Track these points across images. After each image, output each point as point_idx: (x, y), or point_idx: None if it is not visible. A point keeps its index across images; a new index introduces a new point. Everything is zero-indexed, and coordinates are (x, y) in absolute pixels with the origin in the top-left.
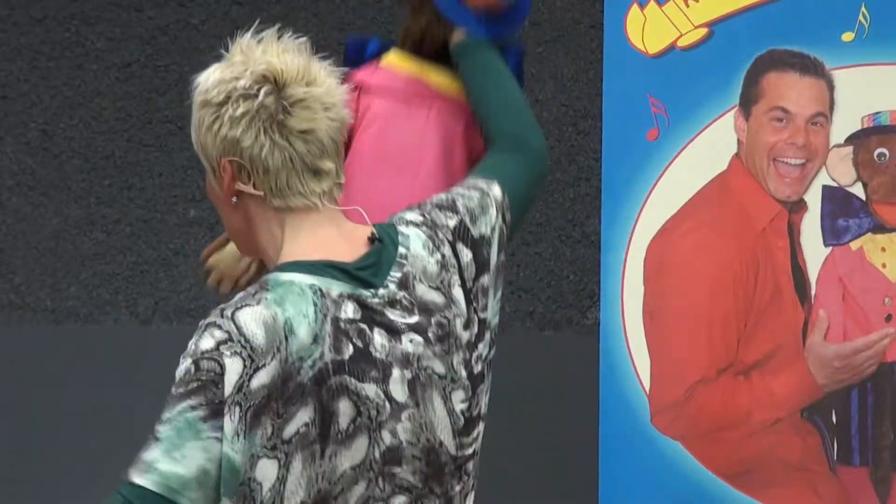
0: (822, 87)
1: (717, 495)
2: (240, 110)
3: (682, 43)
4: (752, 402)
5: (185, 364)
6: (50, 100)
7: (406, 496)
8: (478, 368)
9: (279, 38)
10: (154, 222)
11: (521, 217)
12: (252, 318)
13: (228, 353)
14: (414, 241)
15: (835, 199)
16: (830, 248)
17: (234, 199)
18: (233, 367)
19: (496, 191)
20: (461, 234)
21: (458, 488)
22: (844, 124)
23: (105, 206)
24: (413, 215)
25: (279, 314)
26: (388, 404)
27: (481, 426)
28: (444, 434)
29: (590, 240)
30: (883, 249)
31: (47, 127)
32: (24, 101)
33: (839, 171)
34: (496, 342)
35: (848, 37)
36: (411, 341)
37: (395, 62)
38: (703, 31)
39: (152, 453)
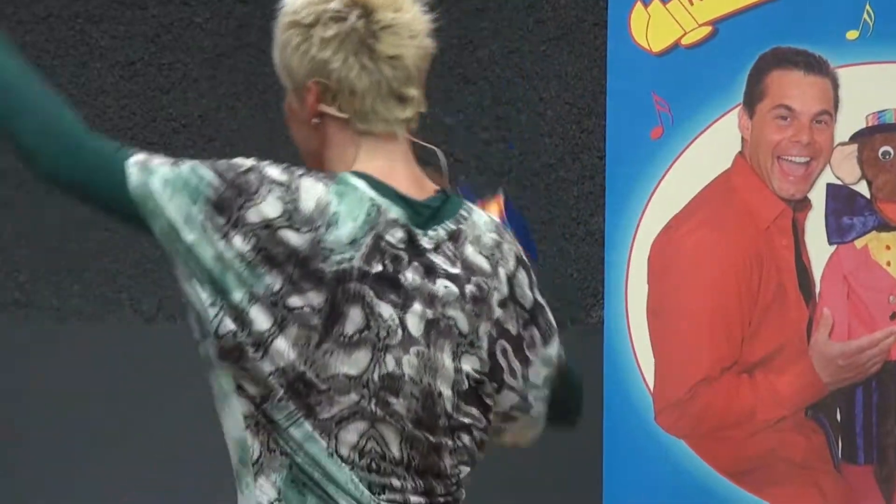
0: (826, 85)
1: (721, 493)
2: (330, 32)
3: (686, 41)
4: (756, 400)
5: (247, 160)
6: None
7: (395, 428)
8: (504, 365)
9: None
10: None
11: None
12: (310, 190)
13: (276, 195)
14: (477, 215)
15: (839, 198)
16: (835, 246)
17: (317, 120)
18: (270, 207)
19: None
20: (524, 265)
21: (449, 445)
22: (849, 122)
23: None
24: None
25: (333, 204)
26: (400, 331)
27: (485, 422)
28: (444, 386)
29: (594, 238)
30: (888, 247)
31: None
32: None
33: (844, 169)
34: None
35: (852, 35)
36: (445, 287)
37: None
38: (708, 29)
39: (162, 163)
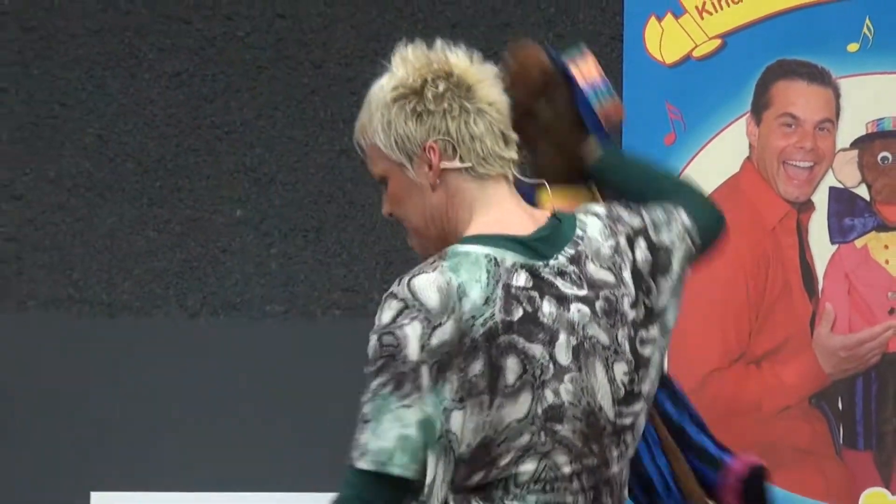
0: (828, 95)
1: None
2: (441, 86)
3: (697, 53)
4: (762, 390)
5: (372, 341)
6: (105, 107)
7: (565, 451)
8: (645, 351)
9: (431, 48)
10: (202, 222)
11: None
12: (427, 284)
13: (407, 320)
14: (591, 227)
15: (841, 200)
16: (837, 245)
17: (438, 181)
18: (413, 332)
19: (683, 214)
20: (642, 233)
21: (615, 453)
22: (850, 129)
23: (157, 207)
24: (598, 208)
25: (453, 279)
26: (551, 365)
27: (643, 404)
28: (605, 400)
29: None
30: (886, 247)
31: (103, 133)
32: (81, 109)
33: (845, 173)
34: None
35: (853, 47)
36: (578, 311)
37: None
38: (717, 42)
39: (363, 436)
